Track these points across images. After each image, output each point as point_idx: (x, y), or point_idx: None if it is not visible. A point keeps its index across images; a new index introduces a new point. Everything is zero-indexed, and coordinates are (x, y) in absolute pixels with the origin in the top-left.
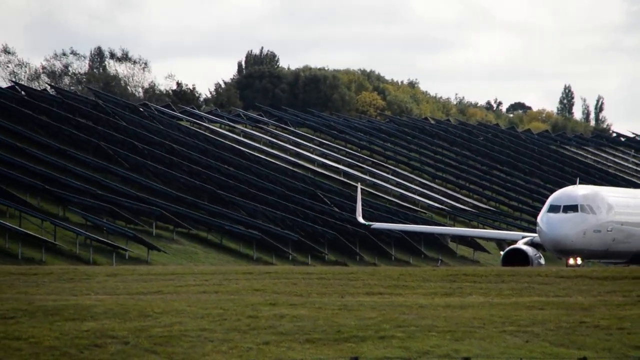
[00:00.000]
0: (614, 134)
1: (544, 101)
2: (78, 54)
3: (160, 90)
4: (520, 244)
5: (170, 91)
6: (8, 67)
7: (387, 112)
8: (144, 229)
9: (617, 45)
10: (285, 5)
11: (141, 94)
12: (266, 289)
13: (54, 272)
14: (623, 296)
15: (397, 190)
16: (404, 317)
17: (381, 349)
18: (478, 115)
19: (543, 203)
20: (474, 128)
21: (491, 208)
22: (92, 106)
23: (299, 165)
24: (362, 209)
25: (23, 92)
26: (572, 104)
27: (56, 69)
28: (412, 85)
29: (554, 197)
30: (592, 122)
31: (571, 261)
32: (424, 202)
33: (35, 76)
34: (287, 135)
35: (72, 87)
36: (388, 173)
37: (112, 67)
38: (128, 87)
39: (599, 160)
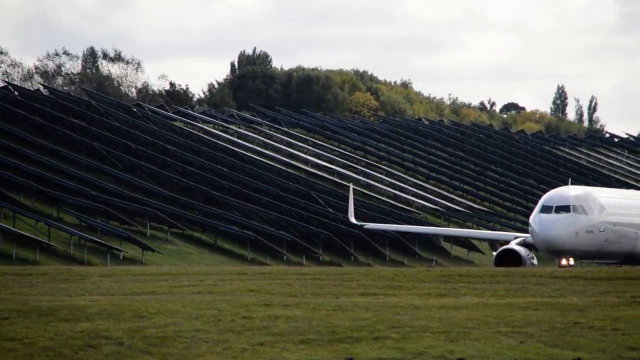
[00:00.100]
0: (607, 135)
1: (538, 102)
2: (71, 54)
3: (153, 91)
4: (512, 245)
5: (164, 91)
6: (1, 67)
7: (381, 113)
8: (138, 230)
9: (610, 45)
10: (279, 5)
11: (134, 95)
12: (260, 290)
13: (48, 272)
14: (617, 297)
15: (390, 191)
16: (399, 317)
17: (375, 350)
18: (471, 116)
19: (537, 204)
20: (467, 128)
21: (485, 209)
22: (86, 106)
23: (293, 166)
24: (356, 209)
25: (16, 93)
26: (566, 105)
27: (49, 69)
28: (405, 85)
29: (546, 198)
30: (586, 123)
31: (563, 262)
32: (418, 202)
33: (28, 76)
34: (281, 136)
35: (65, 88)
36: (381, 173)
37: (105, 67)
38: (121, 88)
39: (593, 160)
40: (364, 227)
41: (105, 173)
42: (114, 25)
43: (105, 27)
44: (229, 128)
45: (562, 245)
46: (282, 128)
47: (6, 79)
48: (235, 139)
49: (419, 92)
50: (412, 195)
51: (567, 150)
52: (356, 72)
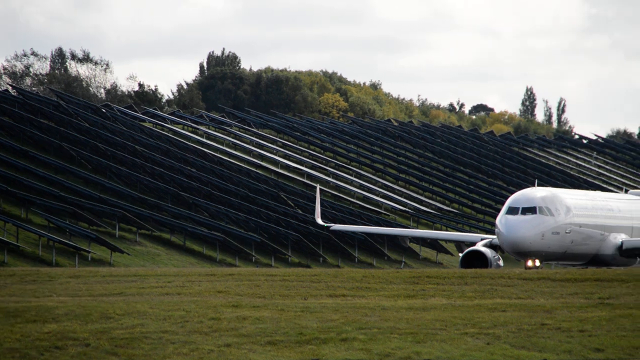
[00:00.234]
0: (576, 136)
1: (507, 103)
2: (39, 55)
3: (122, 91)
4: (479, 246)
5: (132, 92)
6: None
7: (350, 114)
8: (106, 231)
9: (578, 47)
10: (247, 6)
11: (103, 95)
12: (229, 291)
13: (16, 273)
14: (585, 298)
15: (360, 192)
16: (366, 319)
17: (343, 351)
18: (441, 117)
19: None
20: (436, 130)
21: (454, 210)
22: (54, 107)
23: (262, 167)
24: (325, 210)
25: None
26: (535, 106)
27: (17, 70)
28: (374, 86)
29: (513, 199)
30: (555, 124)
31: (529, 263)
32: (387, 204)
33: None
34: (250, 137)
35: (33, 88)
36: (351, 175)
37: (74, 68)
38: (90, 88)
39: (561, 162)
40: (330, 228)
41: (74, 174)
42: (82, 26)
43: (74, 28)
44: (198, 129)
45: (528, 246)
46: (251, 129)
47: None
48: (205, 140)
49: (388, 93)
50: (381, 197)
51: (536, 151)
52: (325, 73)
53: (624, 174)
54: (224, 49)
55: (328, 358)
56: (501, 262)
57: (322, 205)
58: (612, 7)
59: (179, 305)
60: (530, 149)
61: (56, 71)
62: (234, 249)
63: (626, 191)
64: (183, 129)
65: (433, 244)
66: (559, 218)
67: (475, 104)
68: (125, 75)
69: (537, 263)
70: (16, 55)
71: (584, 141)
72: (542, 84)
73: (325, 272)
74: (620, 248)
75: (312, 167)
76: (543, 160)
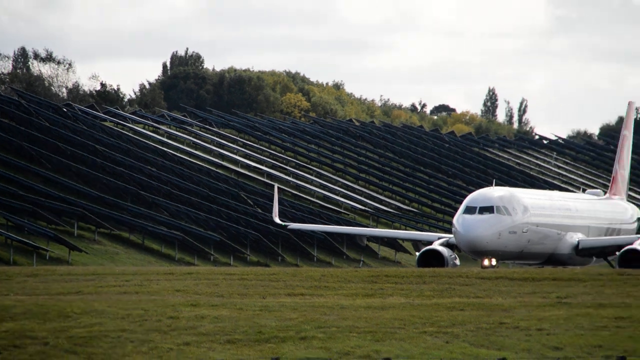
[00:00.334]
0: (537, 137)
1: (468, 103)
2: (1, 54)
3: (84, 91)
4: (435, 245)
5: (95, 92)
6: None
7: (312, 114)
8: (65, 230)
9: (540, 48)
10: (210, 6)
11: (65, 95)
12: (187, 290)
13: None
14: (542, 297)
15: (320, 192)
16: (325, 318)
17: (302, 350)
18: (402, 117)
19: None
20: (398, 130)
21: (414, 209)
22: (15, 106)
23: (223, 167)
24: (286, 210)
25: None
26: (496, 107)
27: None
28: (337, 86)
29: (470, 199)
30: (515, 125)
31: (486, 262)
32: (347, 203)
33: None
34: (211, 137)
35: None
36: (311, 174)
37: (36, 67)
38: (52, 88)
39: (522, 162)
40: (288, 227)
41: (34, 173)
42: (45, 26)
43: (36, 27)
44: (159, 128)
45: (485, 245)
46: (213, 129)
47: None
48: (165, 140)
49: (351, 93)
50: (341, 196)
51: (497, 151)
52: (288, 73)
53: (584, 174)
54: (187, 48)
55: (287, 357)
56: (458, 261)
57: (282, 204)
58: (574, 9)
59: (138, 304)
60: (490, 149)
61: (18, 70)
62: (193, 248)
63: (584, 191)
64: (144, 128)
65: (392, 243)
66: (516, 217)
67: (437, 105)
68: (87, 74)
69: (494, 262)
70: None
71: (545, 142)
72: (504, 85)
73: (284, 271)
74: (576, 247)
75: (273, 167)
76: (503, 161)
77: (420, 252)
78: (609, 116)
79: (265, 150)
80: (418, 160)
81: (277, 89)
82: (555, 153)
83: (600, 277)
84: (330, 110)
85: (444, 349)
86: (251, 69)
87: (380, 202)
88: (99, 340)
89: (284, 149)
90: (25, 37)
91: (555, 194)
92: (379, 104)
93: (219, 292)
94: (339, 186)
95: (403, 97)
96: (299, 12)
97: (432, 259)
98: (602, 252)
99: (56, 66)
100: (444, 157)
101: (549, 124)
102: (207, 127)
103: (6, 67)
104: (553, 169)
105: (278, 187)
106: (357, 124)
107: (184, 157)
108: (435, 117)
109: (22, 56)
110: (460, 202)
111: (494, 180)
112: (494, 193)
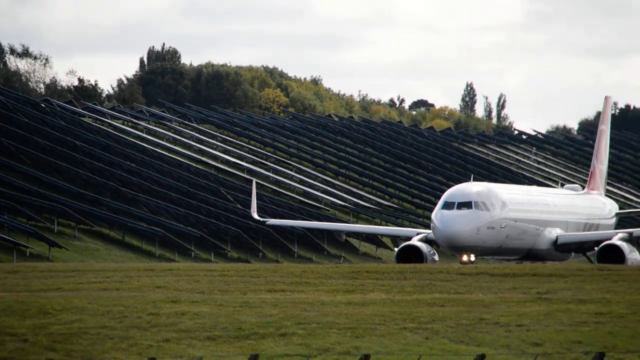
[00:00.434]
0: (516, 132)
1: (447, 99)
2: None
3: (61, 86)
4: (414, 241)
5: (72, 87)
6: None
7: (290, 109)
8: (45, 226)
9: (517, 43)
10: (188, 1)
11: (42, 90)
12: (168, 286)
13: None
14: (523, 293)
15: (300, 188)
16: (305, 314)
17: (282, 346)
18: (381, 113)
19: None
20: (377, 125)
21: (394, 205)
22: None
23: (202, 162)
24: (265, 206)
25: None
26: (475, 102)
27: None
28: (315, 82)
29: (448, 194)
30: (494, 120)
31: (465, 258)
32: (327, 199)
33: None
34: (190, 132)
35: None
36: (291, 170)
37: (13, 62)
38: (29, 83)
39: (501, 157)
40: (266, 222)
41: (13, 169)
42: (22, 21)
43: (13, 22)
44: (138, 124)
45: (463, 241)
46: (192, 124)
47: None
48: (145, 135)
49: (329, 88)
50: (321, 192)
51: (476, 147)
52: (266, 68)
53: (563, 170)
54: (164, 44)
55: (267, 353)
56: (437, 257)
57: (262, 200)
58: (551, 4)
59: (118, 300)
60: (470, 145)
61: None
62: (173, 244)
63: (562, 186)
64: (123, 124)
65: (372, 238)
66: (494, 213)
67: (415, 100)
68: (64, 70)
69: (472, 258)
70: None
71: (524, 137)
72: (482, 80)
73: (264, 267)
74: (555, 243)
75: (253, 163)
76: (483, 156)
77: (399, 247)
78: (588, 111)
79: (244, 146)
80: (398, 155)
81: (255, 84)
82: (534, 148)
83: (581, 272)
84: (309, 106)
85: (423, 345)
86: (229, 64)
87: (361, 197)
88: (78, 337)
89: (264, 145)
90: (1, 33)
91: (534, 189)
92: (358, 99)
93: (199, 289)
94: (318, 182)
95: (381, 92)
96: (277, 7)
97: (411, 254)
98: (580, 247)
99: (33, 61)
100: (423, 153)
101: (528, 119)
102: (186, 122)
103: None
104: (533, 164)
105: (258, 183)
106: (336, 119)
107: (163, 152)
108: (414, 113)
109: None
110: (440, 198)
111: (472, 176)
112: (472, 188)
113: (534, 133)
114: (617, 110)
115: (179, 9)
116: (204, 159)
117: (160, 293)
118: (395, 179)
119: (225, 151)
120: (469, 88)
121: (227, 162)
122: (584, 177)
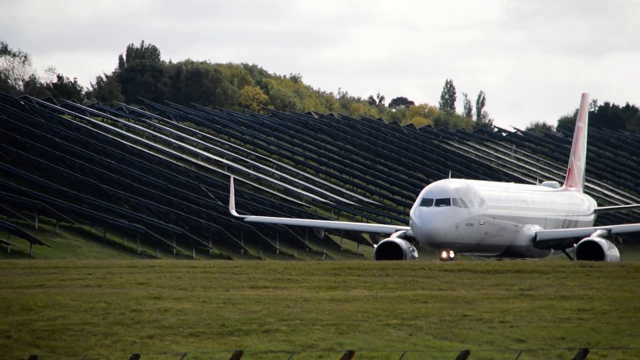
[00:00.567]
0: (496, 129)
1: (426, 96)
2: None
3: (41, 84)
4: (393, 237)
5: (51, 84)
6: None
7: (270, 107)
8: (26, 223)
9: (496, 41)
10: None
11: (22, 88)
12: (150, 283)
13: None
14: (505, 290)
15: (280, 185)
16: (289, 310)
17: (265, 343)
18: (361, 110)
19: None
20: (357, 122)
21: (374, 202)
22: None
23: (182, 159)
24: (246, 202)
25: None
26: (454, 99)
27: None
28: (294, 79)
29: (427, 191)
30: (474, 117)
31: (444, 254)
32: (308, 196)
33: None
34: (170, 129)
35: None
36: (272, 167)
37: None
38: (8, 81)
39: (481, 155)
40: (245, 219)
41: None
42: (0, 18)
43: None
44: (117, 121)
45: (442, 238)
46: (171, 121)
47: None
48: (124, 132)
49: (309, 86)
50: (302, 189)
51: (456, 144)
52: (245, 66)
53: (543, 167)
54: (143, 41)
55: (251, 349)
56: (416, 254)
57: (243, 197)
58: (530, 2)
59: (101, 297)
60: (450, 142)
61: None
62: (155, 241)
63: (540, 182)
64: (102, 121)
65: (354, 235)
66: (472, 209)
67: (395, 97)
68: (44, 67)
69: (452, 254)
70: None
71: (503, 134)
72: (462, 78)
73: (246, 263)
74: (534, 239)
75: (233, 160)
76: (463, 153)
77: (378, 244)
78: (567, 109)
79: (224, 143)
80: (378, 152)
81: (234, 81)
82: (514, 145)
83: (563, 269)
84: (288, 103)
85: (407, 341)
86: (208, 62)
87: (341, 194)
88: (61, 334)
89: (244, 142)
90: None
91: (512, 186)
92: (337, 97)
93: (182, 285)
94: (299, 179)
95: (361, 89)
96: (256, 5)
97: (390, 251)
98: (559, 244)
99: (12, 59)
100: (403, 150)
101: (507, 117)
102: (166, 120)
103: None
104: (513, 161)
105: (238, 180)
106: (316, 116)
107: (143, 149)
108: (394, 110)
109: None
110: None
111: (450, 172)
112: (450, 185)
113: (513, 130)
114: (597, 108)
115: (158, 6)
116: (184, 156)
117: (143, 290)
118: (376, 176)
119: (205, 148)
120: (448, 86)
121: (208, 160)
122: (563, 174)
